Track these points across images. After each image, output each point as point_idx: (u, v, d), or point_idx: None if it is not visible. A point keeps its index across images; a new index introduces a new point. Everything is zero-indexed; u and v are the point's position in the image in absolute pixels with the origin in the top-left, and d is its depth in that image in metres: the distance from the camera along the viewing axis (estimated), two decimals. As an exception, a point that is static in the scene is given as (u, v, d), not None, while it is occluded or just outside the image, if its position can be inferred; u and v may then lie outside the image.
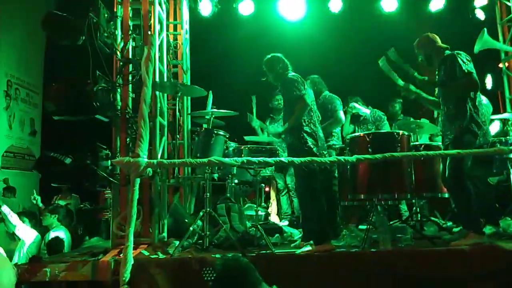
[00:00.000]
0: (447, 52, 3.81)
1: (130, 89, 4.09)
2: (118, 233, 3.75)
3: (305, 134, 3.72)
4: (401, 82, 3.97)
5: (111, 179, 3.80)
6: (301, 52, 4.32)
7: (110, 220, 6.33)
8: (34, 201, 6.06)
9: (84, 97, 3.64)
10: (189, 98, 5.51)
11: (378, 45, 7.35)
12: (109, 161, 3.95)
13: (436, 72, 3.92)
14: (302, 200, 3.81)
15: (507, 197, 4.81)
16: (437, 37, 3.94)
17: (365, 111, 5.41)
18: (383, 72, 4.03)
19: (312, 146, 3.68)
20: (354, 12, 6.59)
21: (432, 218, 4.82)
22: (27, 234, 5.00)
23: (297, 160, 3.25)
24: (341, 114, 4.80)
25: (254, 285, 2.16)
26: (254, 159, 3.19)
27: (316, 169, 3.57)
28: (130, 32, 4.09)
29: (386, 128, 5.61)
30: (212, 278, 2.34)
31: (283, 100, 4.12)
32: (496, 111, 5.36)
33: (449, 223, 4.93)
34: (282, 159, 3.35)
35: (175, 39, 5.90)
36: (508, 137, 4.39)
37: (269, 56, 4.11)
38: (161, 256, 3.45)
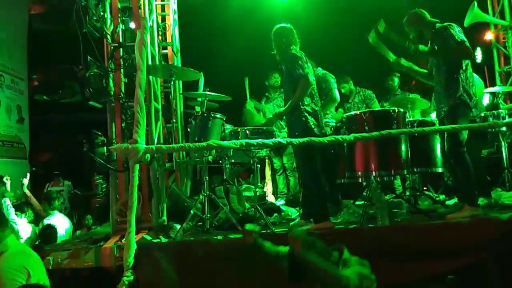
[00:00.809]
0: (438, 25, 3.82)
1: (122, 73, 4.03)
2: (119, 218, 3.76)
3: (306, 114, 3.65)
4: (392, 57, 3.96)
5: (109, 165, 3.77)
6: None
7: (100, 206, 6.38)
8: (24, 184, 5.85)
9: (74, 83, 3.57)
10: (181, 81, 5.44)
11: (367, 21, 7.31)
12: (105, 148, 3.93)
13: (429, 46, 3.93)
14: (303, 180, 3.83)
15: (497, 169, 4.94)
16: (425, 12, 3.93)
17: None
18: (374, 48, 4.00)
19: (313, 126, 3.64)
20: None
21: (426, 192, 4.92)
22: (23, 229, 4.94)
23: (295, 140, 3.27)
24: (336, 92, 4.77)
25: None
26: (252, 141, 3.19)
27: (316, 149, 3.57)
28: (119, 15, 3.99)
29: (376, 106, 5.66)
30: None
31: (284, 76, 3.96)
32: (484, 85, 5.43)
33: (442, 197, 5.04)
34: (280, 140, 3.36)
35: (163, 20, 5.78)
36: (499, 111, 4.45)
37: (278, 26, 3.91)
38: (163, 240, 3.47)
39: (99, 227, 5.27)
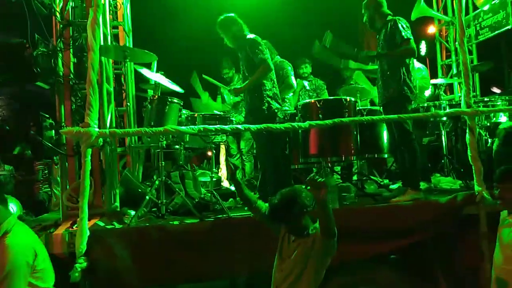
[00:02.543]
0: (389, 17, 4.00)
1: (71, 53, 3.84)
2: (69, 204, 3.63)
3: (269, 99, 3.72)
4: (339, 64, 4.12)
5: (58, 149, 3.61)
6: (247, 14, 4.21)
7: (42, 193, 6.07)
8: None
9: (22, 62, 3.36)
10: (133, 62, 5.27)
11: (326, 9, 7.47)
12: (53, 131, 3.75)
13: (377, 36, 4.12)
14: (264, 165, 3.90)
15: (437, 156, 5.30)
16: (384, 1, 4.10)
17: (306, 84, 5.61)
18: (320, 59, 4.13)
19: (276, 111, 3.72)
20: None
21: (372, 177, 5.19)
22: None
23: (253, 127, 3.31)
24: (293, 79, 4.86)
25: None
26: (211, 126, 3.20)
27: (276, 135, 3.64)
28: (69, -9, 3.78)
29: (325, 95, 5.87)
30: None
31: (243, 62, 3.96)
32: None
33: (386, 181, 5.35)
34: (239, 126, 3.38)
35: (114, -2, 5.53)
36: (441, 101, 4.76)
37: (222, 17, 3.92)
38: (117, 226, 3.41)
39: (46, 213, 5.06)
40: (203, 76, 5.04)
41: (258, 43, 3.73)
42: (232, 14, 3.94)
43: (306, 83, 5.91)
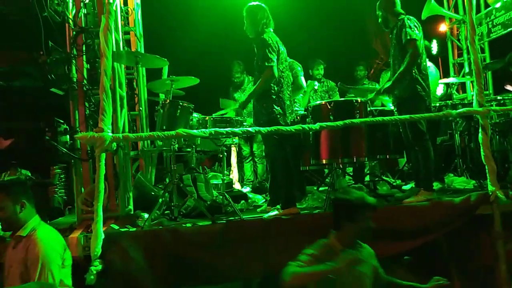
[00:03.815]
0: (401, 16, 3.98)
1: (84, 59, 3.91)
2: (84, 208, 3.69)
3: (273, 103, 3.70)
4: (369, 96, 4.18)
5: (72, 154, 3.68)
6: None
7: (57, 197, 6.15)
8: None
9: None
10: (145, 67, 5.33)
11: (334, 9, 7.46)
12: (68, 136, 3.82)
13: (390, 36, 4.11)
14: (273, 167, 3.90)
15: (450, 156, 5.26)
16: (397, 1, 4.06)
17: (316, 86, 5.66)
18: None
19: (278, 116, 3.69)
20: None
21: (384, 178, 5.17)
22: None
23: (263, 129, 3.33)
24: (302, 80, 4.84)
25: None
26: (222, 130, 3.23)
27: (284, 137, 3.64)
28: (81, -1, 3.85)
29: (337, 97, 5.87)
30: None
31: (256, 59, 3.87)
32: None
33: (398, 182, 5.32)
34: (249, 129, 3.41)
35: (125, 3, 5.61)
36: (453, 100, 4.72)
37: (255, 3, 3.84)
38: (131, 229, 3.45)
39: (61, 217, 5.14)
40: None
41: (270, 46, 3.66)
42: (261, 4, 3.85)
43: (316, 84, 5.92)
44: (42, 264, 2.48)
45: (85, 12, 3.97)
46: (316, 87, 5.83)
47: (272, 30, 3.85)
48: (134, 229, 3.46)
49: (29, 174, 6.56)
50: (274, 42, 3.73)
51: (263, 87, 3.71)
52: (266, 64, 3.64)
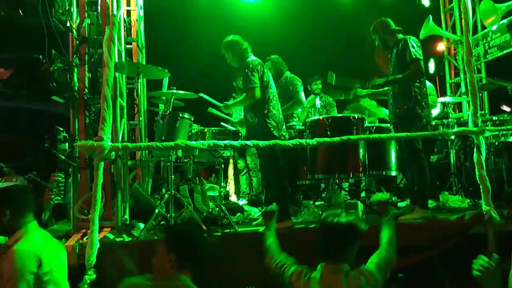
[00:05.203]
0: (400, 35, 4.05)
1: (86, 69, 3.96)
2: (80, 216, 3.70)
3: (266, 118, 3.81)
4: (349, 95, 4.22)
5: (71, 162, 3.70)
6: (258, 32, 4.33)
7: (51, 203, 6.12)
8: None
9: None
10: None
11: (333, 26, 7.60)
12: (67, 144, 3.84)
13: (389, 55, 4.17)
14: (268, 180, 3.94)
15: (445, 174, 5.29)
16: (390, 21, 4.16)
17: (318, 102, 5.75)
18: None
19: (272, 129, 3.78)
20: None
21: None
22: None
23: (261, 143, 3.36)
24: (302, 95, 4.91)
25: None
26: (220, 142, 3.25)
27: (280, 150, 3.70)
28: (86, 9, 3.91)
29: (335, 112, 5.95)
30: None
31: (242, 81, 4.12)
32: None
33: (394, 198, 5.34)
34: (247, 142, 3.43)
35: (128, 15, 5.69)
36: (449, 120, 4.78)
37: (228, 38, 4.06)
38: (126, 238, 3.46)
39: (56, 224, 5.13)
40: (200, 94, 5.14)
41: (252, 69, 3.85)
42: (237, 37, 4.07)
43: (318, 100, 6.00)
44: (11, 278, 2.42)
45: (89, 22, 4.03)
46: (318, 104, 5.92)
47: (252, 55, 4.04)
48: (130, 238, 3.46)
49: (23, 178, 6.52)
50: (256, 64, 3.92)
51: (242, 103, 3.99)
52: (249, 85, 3.84)
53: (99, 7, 4.06)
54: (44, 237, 2.73)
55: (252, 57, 3.99)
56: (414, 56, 3.83)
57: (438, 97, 5.97)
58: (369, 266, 2.45)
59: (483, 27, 6.40)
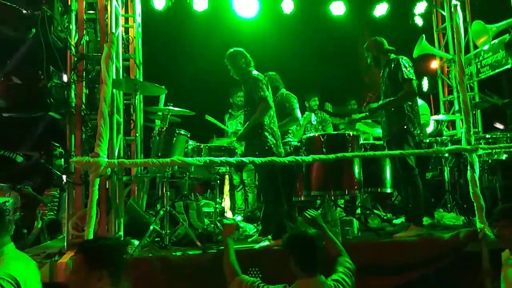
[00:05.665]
0: (392, 55, 4.13)
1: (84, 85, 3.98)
2: (74, 233, 3.67)
3: (266, 134, 3.83)
4: (344, 121, 4.30)
5: (66, 178, 3.69)
6: (255, 49, 4.37)
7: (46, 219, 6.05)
8: None
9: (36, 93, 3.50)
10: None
11: (328, 45, 7.73)
12: (63, 160, 3.84)
13: (381, 73, 4.24)
14: (265, 197, 3.95)
15: (440, 191, 5.32)
16: (384, 40, 4.25)
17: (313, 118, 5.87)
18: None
19: (272, 146, 3.81)
20: (305, 14, 6.83)
21: (375, 211, 5.20)
22: None
23: (258, 160, 3.39)
24: (298, 112, 4.95)
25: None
26: (216, 159, 3.28)
27: (277, 167, 3.72)
28: (84, 27, 3.96)
29: (330, 129, 6.00)
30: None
31: (245, 96, 4.14)
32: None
33: (389, 215, 5.35)
34: (243, 159, 3.46)
35: (127, 32, 5.76)
36: (443, 137, 4.83)
37: (232, 50, 4.11)
38: (121, 255, 3.42)
39: (49, 240, 5.08)
40: (206, 117, 5.17)
41: (260, 81, 3.88)
42: (241, 49, 4.12)
43: (313, 117, 6.06)
44: None
45: (87, 39, 4.07)
46: (313, 121, 5.97)
47: (254, 70, 4.07)
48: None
49: (17, 194, 6.45)
50: (262, 78, 3.96)
51: (259, 119, 3.87)
52: (262, 95, 3.82)
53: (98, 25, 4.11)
54: (21, 259, 2.67)
55: (255, 72, 4.03)
56: (406, 76, 3.89)
57: (432, 114, 6.05)
58: (339, 274, 2.55)
59: (476, 46, 6.52)
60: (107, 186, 3.91)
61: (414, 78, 3.93)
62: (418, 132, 4.05)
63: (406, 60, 4.03)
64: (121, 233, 4.04)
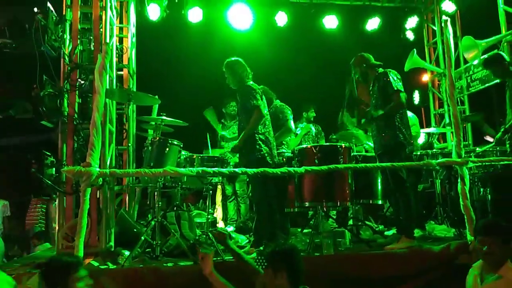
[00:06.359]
0: (380, 70, 4.19)
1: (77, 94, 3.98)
2: (64, 243, 3.63)
3: (260, 142, 3.86)
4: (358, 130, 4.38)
5: (57, 187, 3.66)
6: (249, 61, 4.41)
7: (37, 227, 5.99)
8: None
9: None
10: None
11: (322, 57, 7.82)
12: (54, 169, 3.82)
13: (370, 88, 4.30)
14: (258, 208, 3.95)
15: (431, 203, 5.35)
16: (370, 56, 4.32)
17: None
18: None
19: (266, 155, 3.83)
20: (299, 26, 6.92)
21: (367, 223, 5.21)
22: None
23: (250, 170, 3.39)
24: (292, 123, 4.98)
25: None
26: (209, 169, 3.27)
27: (269, 177, 3.72)
28: (78, 36, 3.98)
29: (323, 141, 6.05)
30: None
31: (239, 106, 4.17)
32: (420, 125, 5.96)
33: (381, 227, 5.36)
34: (236, 169, 3.46)
35: (121, 42, 5.78)
36: (434, 150, 4.88)
37: (232, 59, 4.15)
38: (111, 266, 3.40)
39: (38, 250, 5.02)
40: (204, 113, 5.18)
41: (253, 89, 3.93)
42: (240, 59, 4.17)
43: (313, 128, 6.12)
44: None
45: (81, 48, 4.09)
46: (313, 131, 6.03)
47: (251, 81, 4.10)
48: (115, 266, 3.40)
49: (6, 203, 6.38)
50: (257, 88, 4.00)
51: (254, 129, 3.90)
52: (254, 103, 3.87)
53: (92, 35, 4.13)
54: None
55: (251, 82, 4.08)
56: (395, 89, 3.95)
57: (423, 127, 6.11)
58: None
59: (466, 61, 6.63)
60: (98, 196, 3.89)
61: (402, 90, 3.99)
62: (409, 143, 4.08)
63: (394, 73, 4.10)
64: (112, 243, 4.01)
